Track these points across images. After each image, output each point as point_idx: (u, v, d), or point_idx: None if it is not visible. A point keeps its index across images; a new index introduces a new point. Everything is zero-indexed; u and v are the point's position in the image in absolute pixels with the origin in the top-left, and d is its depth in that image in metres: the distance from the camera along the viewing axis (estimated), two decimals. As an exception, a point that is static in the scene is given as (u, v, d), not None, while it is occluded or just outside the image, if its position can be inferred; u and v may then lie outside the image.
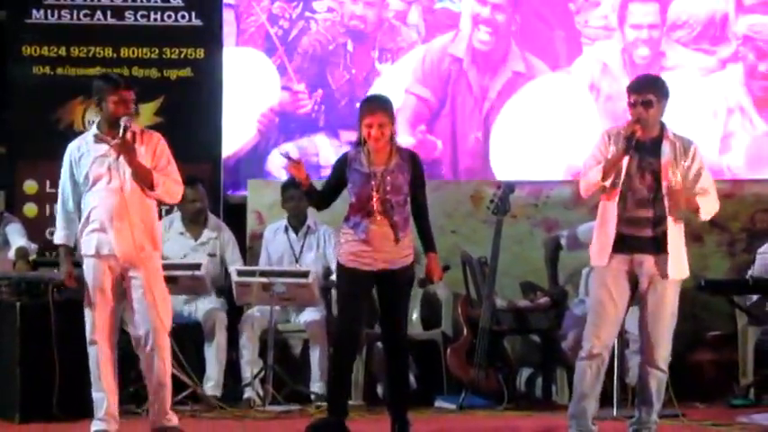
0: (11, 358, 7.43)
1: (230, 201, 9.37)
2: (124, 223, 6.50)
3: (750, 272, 8.40)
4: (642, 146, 6.36)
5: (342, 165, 6.74)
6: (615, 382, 7.59)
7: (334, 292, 8.16)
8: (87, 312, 6.59)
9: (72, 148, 6.66)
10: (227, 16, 9.47)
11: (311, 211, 8.49)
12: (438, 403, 8.27)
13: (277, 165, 9.40)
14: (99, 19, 9.29)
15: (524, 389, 8.47)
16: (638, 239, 6.37)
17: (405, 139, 9.26)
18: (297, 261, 8.52)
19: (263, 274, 8.15)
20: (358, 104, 7.10)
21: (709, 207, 6.42)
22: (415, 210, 6.74)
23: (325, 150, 9.41)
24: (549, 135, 9.36)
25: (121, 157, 6.48)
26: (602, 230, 6.42)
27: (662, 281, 6.37)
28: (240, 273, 8.19)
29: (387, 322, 6.78)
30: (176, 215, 8.58)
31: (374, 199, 6.61)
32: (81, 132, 9.11)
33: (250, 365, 8.20)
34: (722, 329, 8.75)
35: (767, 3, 9.41)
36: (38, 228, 9.03)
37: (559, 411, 7.52)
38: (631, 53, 9.36)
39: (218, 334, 8.22)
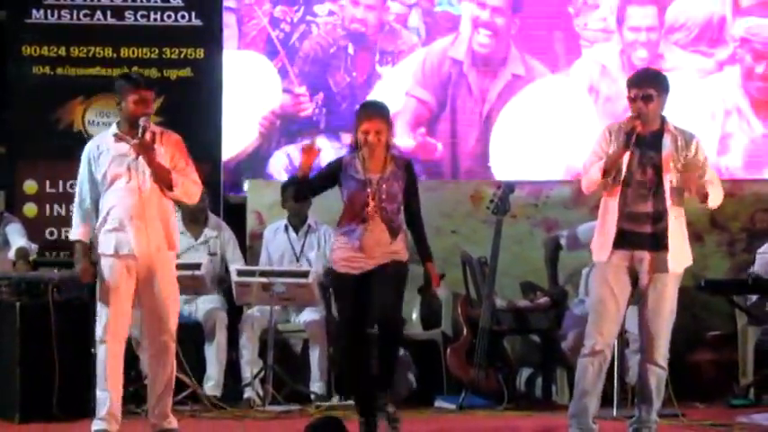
0: (11, 358, 7.43)
1: (230, 201, 9.37)
2: (143, 223, 6.50)
3: (750, 271, 8.39)
4: (643, 140, 6.36)
5: (336, 168, 6.71)
6: (615, 381, 7.58)
7: (334, 292, 8.16)
8: (101, 311, 6.57)
9: (91, 146, 6.65)
10: (229, 20, 9.49)
11: (312, 211, 8.49)
12: (438, 403, 8.27)
13: (278, 167, 9.41)
14: (99, 19, 9.29)
15: (524, 389, 8.47)
16: (638, 235, 6.37)
17: (405, 141, 9.32)
18: (297, 260, 8.53)
19: (262, 273, 8.16)
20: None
21: (715, 196, 6.41)
22: (409, 218, 6.73)
23: (327, 153, 9.40)
24: (548, 137, 9.37)
25: (141, 157, 6.48)
26: (603, 226, 6.42)
27: (662, 277, 6.37)
28: (240, 272, 8.19)
29: (377, 312, 6.62)
30: (176, 215, 8.57)
31: (369, 206, 6.60)
32: (80, 132, 9.19)
33: (250, 365, 8.20)
34: (722, 329, 8.75)
35: (764, 5, 9.41)
36: (38, 228, 9.04)
37: (559, 411, 7.52)
38: (630, 55, 9.37)
39: (219, 334, 8.22)
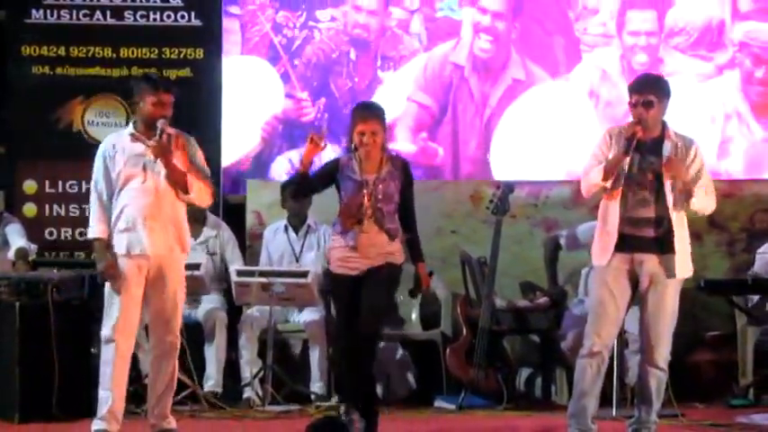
0: (10, 358, 7.43)
1: (230, 201, 9.37)
2: (157, 223, 6.50)
3: (750, 273, 8.39)
4: (643, 145, 6.36)
5: (333, 168, 6.71)
6: (614, 381, 7.58)
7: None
8: (110, 309, 6.55)
9: (107, 144, 6.63)
10: (233, 25, 9.51)
11: (311, 211, 8.50)
12: (437, 403, 8.27)
13: (280, 172, 9.42)
14: (98, 19, 9.29)
15: (524, 389, 8.47)
16: (640, 239, 6.37)
17: (406, 146, 9.34)
18: (297, 260, 8.53)
19: (262, 274, 8.16)
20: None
21: (703, 201, 6.39)
22: (404, 218, 6.73)
23: (329, 157, 9.40)
24: (549, 141, 9.37)
25: (157, 158, 6.49)
26: (603, 230, 6.42)
27: (663, 280, 6.37)
28: (239, 273, 8.19)
29: (359, 320, 6.60)
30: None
31: (365, 207, 6.60)
32: (80, 132, 9.20)
33: (249, 365, 8.21)
34: (721, 329, 8.75)
35: (763, 10, 9.42)
36: (37, 228, 9.04)
37: (559, 411, 7.52)
38: (630, 60, 9.37)
39: (218, 334, 8.22)
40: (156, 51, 9.28)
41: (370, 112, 6.70)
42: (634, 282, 6.41)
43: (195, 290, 8.08)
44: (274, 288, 8.04)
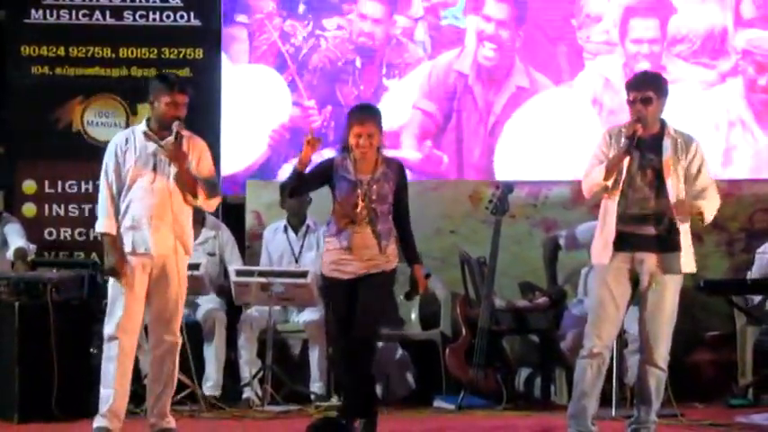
0: (10, 358, 7.43)
1: (229, 201, 9.36)
2: (163, 223, 6.52)
3: (749, 273, 8.40)
4: (643, 143, 6.36)
5: (328, 168, 6.72)
6: (614, 382, 7.59)
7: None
8: (113, 308, 6.56)
9: (119, 140, 6.62)
10: (241, 34, 9.53)
11: (311, 211, 8.50)
12: (437, 403, 8.27)
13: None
14: (98, 19, 9.29)
15: (523, 389, 8.46)
16: (640, 237, 6.37)
17: (411, 153, 9.40)
18: (296, 261, 8.53)
19: (261, 274, 8.16)
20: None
21: (711, 207, 6.42)
22: (398, 220, 6.73)
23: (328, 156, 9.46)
24: (552, 149, 9.37)
25: (168, 159, 6.50)
26: (603, 229, 6.42)
27: (663, 279, 6.37)
28: (239, 273, 8.19)
29: (355, 322, 6.64)
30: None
31: (359, 207, 6.60)
32: (79, 132, 9.19)
33: (249, 365, 8.21)
34: (721, 329, 8.75)
35: (766, 17, 9.43)
36: (37, 228, 9.04)
37: (558, 411, 7.52)
38: (633, 67, 9.34)
39: (217, 334, 8.22)
40: (156, 51, 9.28)
41: (366, 115, 6.70)
42: (634, 281, 6.41)
43: (195, 290, 8.08)
44: (274, 288, 8.05)
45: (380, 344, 8.11)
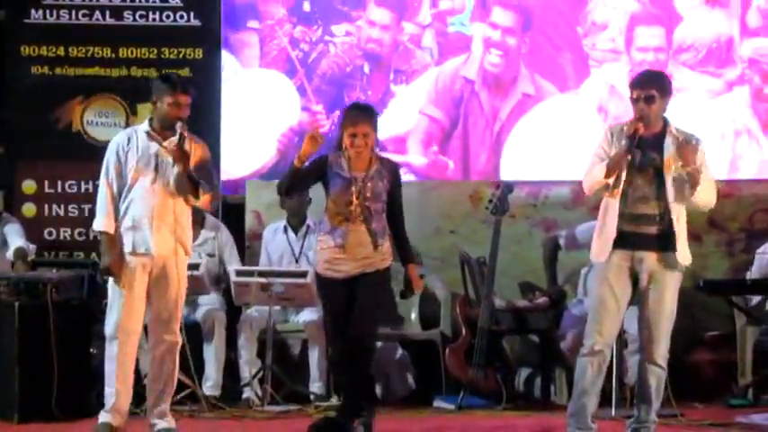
0: (9, 358, 7.43)
1: (229, 201, 9.37)
2: (164, 224, 6.53)
3: (749, 273, 8.40)
4: (645, 141, 6.36)
5: (322, 165, 6.71)
6: (614, 381, 7.59)
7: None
8: (113, 308, 6.57)
9: (121, 139, 6.63)
10: (252, 39, 9.57)
11: (310, 211, 8.50)
12: (437, 403, 8.27)
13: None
14: (97, 19, 9.29)
15: (523, 389, 8.46)
16: (640, 236, 6.36)
17: (417, 159, 9.46)
18: (296, 261, 8.53)
19: (261, 274, 8.16)
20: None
21: (706, 193, 6.38)
22: (392, 219, 6.73)
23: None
24: (558, 156, 9.37)
25: (169, 158, 6.50)
26: (603, 227, 6.41)
27: (663, 278, 6.37)
28: (239, 273, 8.19)
29: (353, 322, 6.67)
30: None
31: (353, 204, 6.61)
32: (79, 132, 9.19)
33: (249, 365, 8.21)
34: (721, 329, 8.75)
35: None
36: (36, 228, 9.04)
37: (558, 411, 7.52)
38: None
39: (217, 334, 8.22)
40: (156, 51, 9.28)
41: (361, 115, 6.71)
42: (634, 279, 6.41)
43: (195, 290, 8.08)
44: (273, 288, 8.05)
45: (380, 344, 8.12)
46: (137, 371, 6.93)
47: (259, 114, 9.53)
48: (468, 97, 9.54)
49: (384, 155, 6.94)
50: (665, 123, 6.45)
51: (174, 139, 6.50)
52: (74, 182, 9.15)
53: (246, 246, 9.06)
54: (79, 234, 9.11)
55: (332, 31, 9.57)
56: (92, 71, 9.26)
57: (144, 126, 6.65)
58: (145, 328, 6.75)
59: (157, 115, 6.61)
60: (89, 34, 9.29)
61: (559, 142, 9.39)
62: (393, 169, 6.77)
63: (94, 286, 7.64)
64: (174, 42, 9.28)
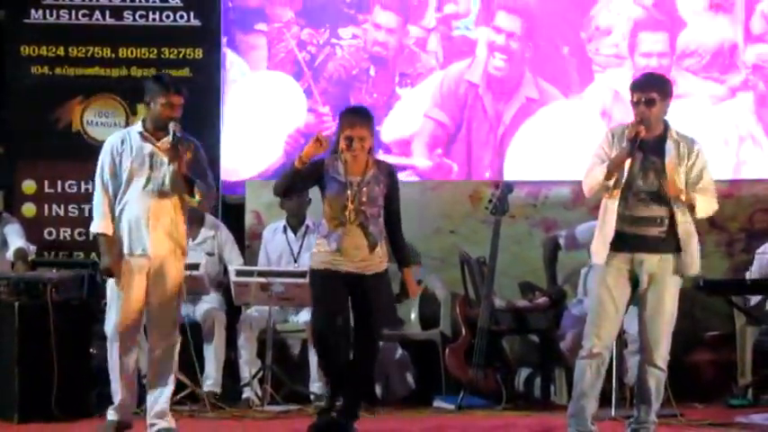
0: (9, 358, 7.43)
1: (228, 200, 9.37)
2: (160, 224, 6.53)
3: (749, 273, 8.40)
4: (646, 144, 6.35)
5: (319, 168, 6.70)
6: (614, 382, 7.58)
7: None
8: (111, 309, 6.59)
9: (115, 141, 6.63)
10: (260, 41, 9.59)
11: (310, 211, 8.50)
12: (436, 403, 8.27)
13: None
14: (97, 19, 9.30)
15: (523, 389, 8.47)
16: (640, 238, 6.36)
17: (422, 161, 9.49)
18: (295, 261, 8.53)
19: (261, 274, 8.16)
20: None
21: (706, 206, 6.40)
22: (389, 223, 6.74)
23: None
24: (561, 160, 9.38)
25: (163, 158, 6.51)
26: (602, 229, 6.41)
27: (662, 280, 6.36)
28: (238, 273, 8.19)
29: (359, 328, 6.75)
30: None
31: (349, 209, 6.61)
32: (79, 132, 9.19)
33: (248, 365, 8.21)
34: (721, 329, 8.75)
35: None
36: (36, 228, 9.05)
37: (558, 411, 7.52)
38: None
39: (217, 334, 8.22)
40: (156, 51, 9.29)
41: (358, 118, 6.70)
42: (633, 282, 6.40)
43: (195, 290, 8.09)
44: (273, 288, 8.05)
45: (380, 344, 8.11)
46: (137, 371, 6.93)
47: (266, 116, 9.56)
48: (472, 101, 9.56)
49: (382, 158, 6.93)
50: (666, 127, 6.44)
51: (168, 138, 6.50)
52: (74, 182, 9.15)
53: (246, 246, 9.06)
54: (79, 234, 9.12)
55: (338, 33, 9.60)
56: (92, 71, 9.27)
57: (137, 127, 6.66)
58: (144, 328, 6.76)
59: (150, 116, 6.62)
60: (89, 34, 9.29)
61: (562, 146, 9.39)
62: (390, 172, 6.77)
63: (94, 286, 7.64)
64: (174, 42, 9.29)
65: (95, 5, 9.29)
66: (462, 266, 8.48)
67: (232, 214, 9.17)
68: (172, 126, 6.49)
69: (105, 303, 6.71)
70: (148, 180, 6.53)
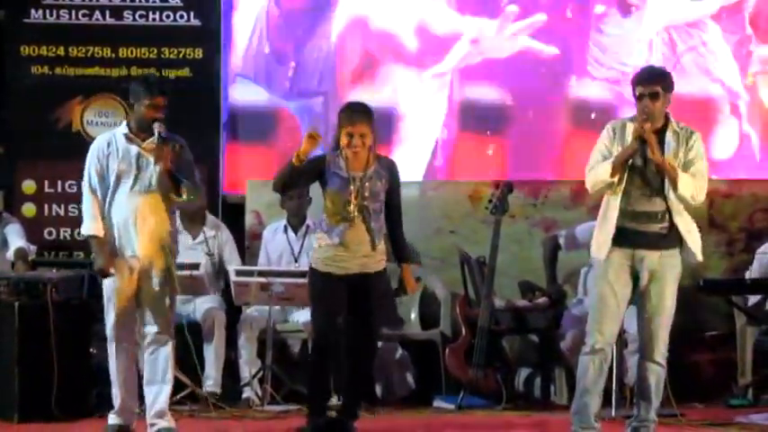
0: (10, 358, 7.43)
1: (229, 200, 9.37)
2: (148, 224, 6.55)
3: (749, 273, 8.40)
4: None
5: (320, 164, 6.71)
6: (614, 381, 7.58)
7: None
8: (110, 309, 6.63)
9: (101, 143, 6.66)
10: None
11: (310, 211, 8.50)
12: (436, 403, 8.27)
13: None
14: (97, 19, 9.30)
15: (523, 389, 8.47)
16: (641, 234, 6.35)
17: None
18: (296, 261, 8.52)
19: (261, 273, 8.16)
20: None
21: (690, 187, 6.30)
22: (389, 218, 6.74)
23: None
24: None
25: (149, 159, 6.52)
26: (604, 224, 6.40)
27: (663, 276, 6.36)
28: (239, 272, 8.19)
29: (358, 328, 6.75)
30: (175, 214, 8.56)
31: (352, 204, 6.61)
32: (79, 132, 9.19)
33: (248, 365, 8.20)
34: (721, 329, 8.75)
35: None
36: (37, 228, 9.05)
37: (558, 411, 7.53)
38: None
39: (217, 334, 8.22)
40: (156, 51, 9.29)
41: (359, 114, 6.69)
42: (634, 277, 6.40)
43: (195, 289, 8.10)
44: (273, 288, 8.04)
45: (380, 344, 8.11)
46: (137, 371, 6.94)
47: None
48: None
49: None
50: (667, 119, 6.43)
51: (154, 139, 6.52)
52: (74, 182, 9.13)
53: (246, 246, 9.05)
54: (79, 234, 9.03)
55: None
56: (92, 71, 9.27)
57: (122, 128, 6.68)
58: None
59: (135, 117, 6.65)
60: (89, 34, 9.29)
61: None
62: (391, 168, 6.77)
63: (94, 286, 7.62)
64: (174, 42, 9.28)
65: (95, 5, 9.29)
66: (462, 266, 8.48)
67: (232, 214, 9.16)
68: (156, 127, 6.52)
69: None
70: (135, 181, 6.57)
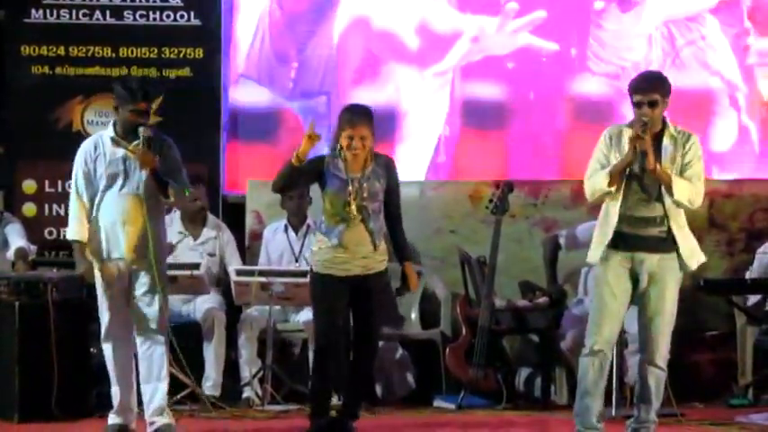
0: (10, 358, 7.43)
1: (229, 200, 9.37)
2: (134, 227, 6.57)
3: (749, 272, 8.40)
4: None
5: (319, 165, 6.70)
6: (614, 382, 7.58)
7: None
8: (103, 310, 6.70)
9: (88, 147, 6.69)
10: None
11: (311, 211, 8.50)
12: (437, 403, 8.27)
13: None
14: (98, 19, 9.30)
15: (523, 388, 8.46)
16: (640, 238, 6.35)
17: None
18: (296, 260, 8.52)
19: (261, 273, 8.16)
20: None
21: (685, 191, 6.28)
22: (389, 217, 6.74)
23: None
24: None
25: (136, 162, 6.56)
26: (603, 228, 6.40)
27: (663, 279, 6.36)
28: (239, 272, 8.19)
29: (359, 328, 6.77)
30: (176, 214, 8.58)
31: (351, 206, 6.60)
32: (79, 132, 9.19)
33: (249, 365, 8.20)
34: (721, 329, 8.75)
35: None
36: (37, 227, 9.05)
37: (558, 411, 7.53)
38: None
39: (217, 334, 8.22)
40: (156, 51, 9.28)
41: (359, 117, 6.68)
42: (634, 280, 6.40)
43: (195, 290, 8.11)
44: (274, 288, 8.05)
45: (380, 344, 8.11)
46: (134, 370, 6.95)
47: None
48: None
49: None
50: (664, 123, 6.42)
51: (139, 142, 6.53)
52: (74, 182, 9.16)
53: (246, 246, 9.05)
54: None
55: None
56: (92, 71, 9.27)
57: (109, 132, 6.71)
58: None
59: (120, 121, 6.68)
60: (89, 34, 9.29)
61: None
62: (388, 166, 6.75)
63: (94, 286, 7.64)
64: (174, 42, 9.28)
65: (95, 5, 9.29)
66: (462, 266, 8.48)
67: (232, 214, 9.16)
68: (142, 131, 6.53)
69: (104, 305, 6.76)
70: (123, 184, 6.61)
